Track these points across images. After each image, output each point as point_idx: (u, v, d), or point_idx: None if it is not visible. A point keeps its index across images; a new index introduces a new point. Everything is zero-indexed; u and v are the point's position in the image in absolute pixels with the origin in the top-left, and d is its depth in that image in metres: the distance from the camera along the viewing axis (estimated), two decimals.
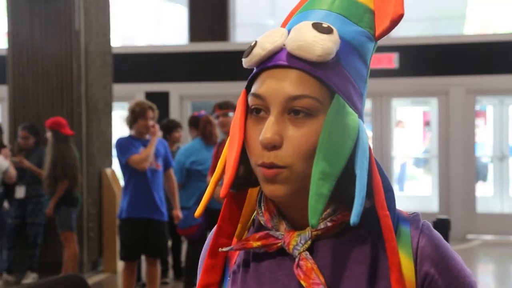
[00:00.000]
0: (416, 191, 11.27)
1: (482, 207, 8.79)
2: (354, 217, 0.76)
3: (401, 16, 0.83)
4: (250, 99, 0.85)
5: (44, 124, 5.56)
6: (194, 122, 5.23)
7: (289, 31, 0.84)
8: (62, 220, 5.48)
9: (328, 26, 0.81)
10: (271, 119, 0.81)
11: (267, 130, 0.80)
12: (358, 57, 0.86)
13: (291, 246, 0.85)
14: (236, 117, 0.87)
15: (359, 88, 0.86)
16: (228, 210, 0.92)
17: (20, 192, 5.89)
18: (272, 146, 0.80)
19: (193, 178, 5.04)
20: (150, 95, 8.74)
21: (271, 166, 0.81)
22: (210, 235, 0.97)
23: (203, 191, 4.93)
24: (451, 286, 0.85)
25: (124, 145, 4.56)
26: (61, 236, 5.53)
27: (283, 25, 0.95)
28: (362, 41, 0.86)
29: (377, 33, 0.87)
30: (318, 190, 0.78)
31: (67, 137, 5.48)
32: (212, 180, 0.89)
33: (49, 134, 5.42)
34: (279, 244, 0.86)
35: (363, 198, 0.78)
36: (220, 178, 0.89)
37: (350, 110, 0.82)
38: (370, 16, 0.88)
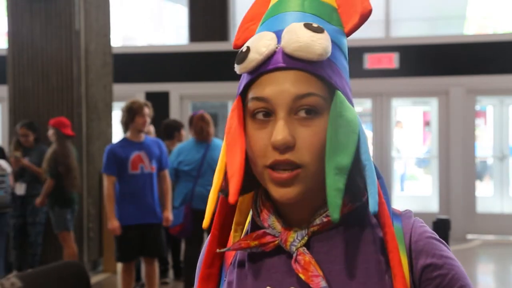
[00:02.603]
0: (416, 191, 11.27)
1: (482, 207, 8.80)
2: (373, 206, 0.79)
3: (370, 11, 0.86)
4: (252, 103, 0.84)
5: (48, 122, 5.61)
6: (190, 121, 5.23)
7: (276, 33, 0.84)
8: (57, 221, 5.49)
9: (319, 26, 0.83)
10: (280, 121, 0.81)
11: (278, 131, 0.80)
12: (341, 54, 0.88)
13: (288, 243, 0.86)
14: (232, 124, 0.86)
15: (348, 83, 0.89)
16: (221, 219, 0.93)
17: (20, 189, 5.90)
18: (286, 147, 0.81)
19: (181, 178, 5.00)
20: (150, 95, 8.75)
21: (286, 164, 0.81)
22: (206, 244, 0.97)
23: (189, 191, 4.93)
24: (448, 275, 0.85)
25: (110, 159, 4.54)
26: (59, 236, 5.55)
27: (242, 34, 0.94)
28: (340, 38, 0.88)
29: (346, 29, 0.89)
30: (336, 185, 0.79)
31: (66, 136, 5.50)
32: (213, 189, 0.87)
33: (51, 132, 5.47)
34: (276, 242, 0.87)
35: (376, 186, 0.81)
36: (221, 186, 0.87)
37: (349, 105, 0.84)
38: (337, 15, 0.90)
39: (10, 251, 6.16)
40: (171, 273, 6.14)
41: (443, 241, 0.89)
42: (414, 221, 0.89)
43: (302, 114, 0.82)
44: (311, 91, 0.82)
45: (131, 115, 4.53)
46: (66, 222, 5.52)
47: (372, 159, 0.88)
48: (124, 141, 4.64)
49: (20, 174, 5.89)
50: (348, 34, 0.90)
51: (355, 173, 0.85)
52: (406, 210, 0.91)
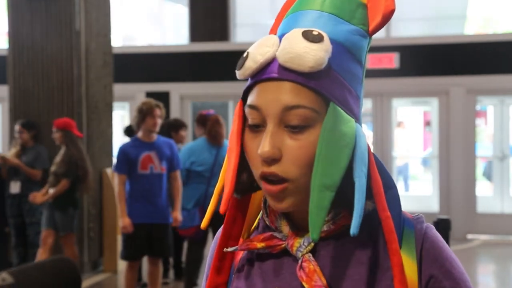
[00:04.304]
0: (416, 191, 11.28)
1: (482, 207, 8.79)
2: (353, 228, 0.77)
3: (392, 12, 0.83)
4: (246, 111, 0.85)
5: (53, 123, 5.50)
6: (202, 121, 5.14)
7: (280, 38, 0.83)
8: (67, 222, 5.43)
9: (319, 34, 0.80)
10: (268, 132, 0.81)
11: (265, 143, 0.80)
12: (352, 59, 0.85)
13: (294, 248, 0.86)
14: (233, 129, 0.86)
15: (355, 91, 0.85)
16: (233, 213, 0.93)
17: (15, 187, 5.89)
18: (271, 159, 0.81)
19: (193, 179, 4.98)
20: (150, 95, 8.74)
21: (272, 176, 0.81)
22: (216, 238, 0.98)
23: (203, 192, 4.91)
24: None
25: (121, 158, 4.58)
26: (63, 238, 5.47)
27: (274, 27, 0.94)
28: (355, 41, 0.85)
29: (370, 28, 0.86)
30: (319, 203, 0.78)
31: (78, 138, 5.49)
32: (215, 191, 0.89)
33: (59, 134, 5.38)
34: (283, 246, 0.87)
35: (362, 209, 0.78)
36: (223, 189, 0.89)
37: (346, 117, 0.81)
38: (363, 11, 0.87)
39: (11, 251, 6.16)
40: (171, 273, 6.14)
41: (451, 251, 0.88)
42: (427, 227, 0.88)
43: (291, 126, 0.81)
44: (301, 103, 0.80)
45: (142, 116, 4.57)
46: (74, 223, 5.50)
47: (385, 167, 0.87)
48: (135, 141, 4.67)
49: (14, 172, 5.89)
50: (371, 34, 0.87)
51: (348, 187, 0.83)
52: (418, 215, 0.90)
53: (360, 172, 0.80)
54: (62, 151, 5.43)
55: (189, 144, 5.28)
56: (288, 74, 0.80)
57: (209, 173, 4.94)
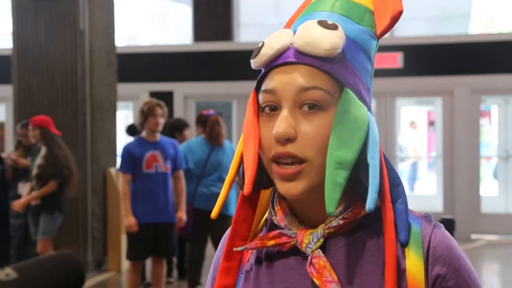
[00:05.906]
0: (420, 190, 11.26)
1: (486, 207, 8.77)
2: (369, 204, 0.78)
3: (400, 13, 0.86)
4: (261, 96, 0.86)
5: (30, 122, 5.27)
6: (202, 121, 5.16)
7: (294, 32, 0.86)
8: (50, 226, 5.21)
9: (333, 23, 0.83)
10: (284, 113, 0.83)
11: (280, 123, 0.81)
12: (363, 54, 0.88)
13: (303, 245, 0.86)
14: (248, 117, 0.88)
15: (366, 83, 0.88)
16: (242, 213, 0.93)
17: (23, 189, 5.87)
18: (286, 139, 0.82)
19: (185, 176, 4.97)
20: (154, 95, 8.74)
21: (288, 157, 0.82)
22: (225, 238, 0.97)
23: (192, 190, 4.91)
24: (462, 287, 0.85)
25: (125, 158, 4.60)
26: (40, 242, 5.18)
27: (287, 27, 0.96)
28: (365, 39, 0.88)
29: (378, 31, 0.90)
30: (334, 178, 0.79)
31: (57, 136, 5.28)
32: (226, 181, 0.90)
33: (37, 132, 5.17)
34: (292, 243, 0.87)
35: (377, 185, 0.80)
36: (234, 179, 0.90)
37: (359, 102, 0.84)
38: (370, 16, 0.90)
39: (11, 251, 6.13)
40: (175, 272, 6.15)
41: (461, 249, 0.88)
42: (435, 225, 0.88)
43: (306, 108, 0.83)
44: (316, 84, 0.82)
45: (144, 116, 4.60)
46: (55, 229, 5.29)
47: (392, 164, 0.88)
48: (139, 140, 4.69)
49: (23, 173, 5.88)
50: (379, 36, 0.90)
51: (362, 172, 0.84)
52: (426, 213, 0.91)
53: (373, 153, 0.82)
54: (42, 152, 5.19)
55: (187, 142, 5.30)
56: (305, 58, 0.83)
57: (200, 172, 4.94)
